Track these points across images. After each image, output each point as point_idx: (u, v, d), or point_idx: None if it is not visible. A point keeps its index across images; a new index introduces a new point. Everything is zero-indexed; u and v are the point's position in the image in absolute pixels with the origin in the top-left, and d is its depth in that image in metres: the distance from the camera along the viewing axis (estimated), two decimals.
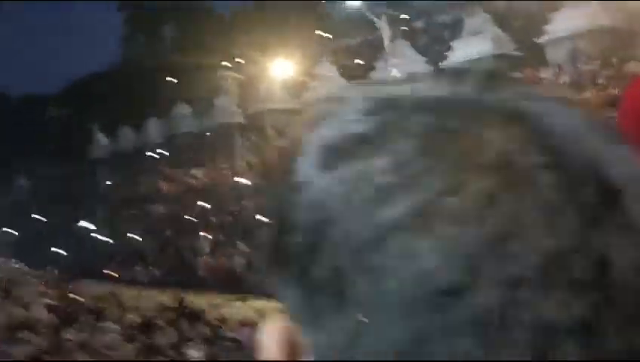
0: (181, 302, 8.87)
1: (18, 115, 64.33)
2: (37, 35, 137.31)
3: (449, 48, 27.92)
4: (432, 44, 34.91)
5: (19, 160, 56.94)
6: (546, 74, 22.45)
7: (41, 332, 6.81)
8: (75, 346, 6.25)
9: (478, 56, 25.75)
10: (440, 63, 28.51)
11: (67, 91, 65.90)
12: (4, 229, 44.41)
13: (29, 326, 7.25)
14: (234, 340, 6.98)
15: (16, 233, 43.20)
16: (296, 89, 33.54)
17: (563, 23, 23.99)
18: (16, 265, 29.89)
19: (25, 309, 8.45)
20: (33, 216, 43.67)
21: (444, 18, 37.69)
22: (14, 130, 61.61)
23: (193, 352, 6.18)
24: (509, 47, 26.60)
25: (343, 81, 33.80)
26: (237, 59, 39.43)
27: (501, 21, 28.70)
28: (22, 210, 46.14)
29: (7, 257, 34.72)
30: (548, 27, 24.57)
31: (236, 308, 17.60)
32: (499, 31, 27.19)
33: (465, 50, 26.32)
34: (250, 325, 8.07)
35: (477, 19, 26.84)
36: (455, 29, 31.41)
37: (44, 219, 42.72)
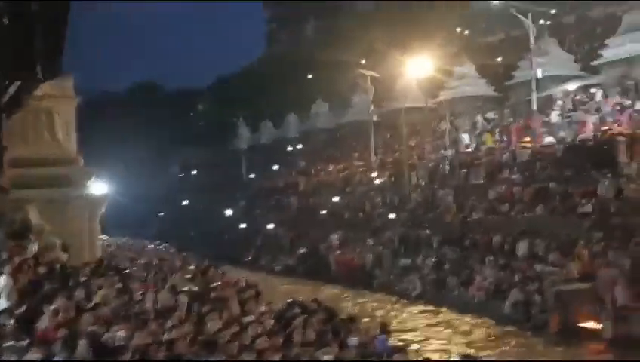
0: (318, 303, 9.26)
1: (172, 106, 70.07)
2: (187, 33, 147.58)
3: (602, 46, 25.92)
4: (583, 41, 32.65)
5: (171, 148, 62.01)
6: None
7: (185, 320, 7.52)
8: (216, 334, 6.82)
9: (634, 55, 23.71)
10: (592, 62, 26.66)
11: (215, 86, 70.60)
12: (160, 214, 48.56)
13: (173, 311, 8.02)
14: (366, 345, 7.23)
15: (167, 218, 47.04)
16: (432, 87, 33.07)
17: None
18: (164, 248, 32.65)
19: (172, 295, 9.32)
20: (182, 202, 47.35)
21: (597, 13, 35.10)
22: (168, 120, 67.15)
23: (324, 355, 6.50)
24: None
25: (480, 81, 32.80)
26: (375, 57, 39.67)
27: None
28: (172, 197, 50.23)
29: (158, 240, 38.03)
30: None
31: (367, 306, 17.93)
32: None
33: (621, 48, 24.31)
34: (384, 330, 8.28)
35: (636, 14, 24.64)
36: (610, 25, 29.09)
37: (190, 205, 46.16)
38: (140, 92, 74.34)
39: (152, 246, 34.51)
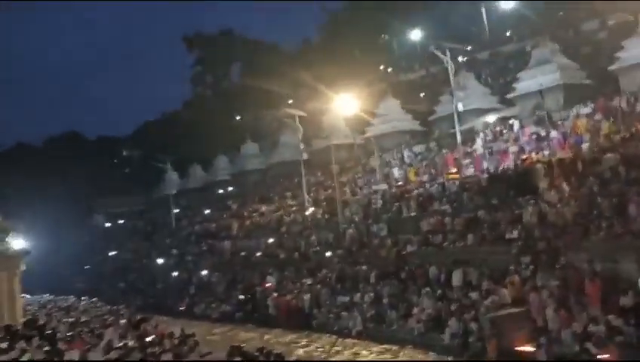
0: (262, 351, 8.94)
1: (94, 155, 67.85)
2: (109, 79, 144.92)
3: (515, 79, 27.45)
4: (498, 75, 34.44)
5: (94, 198, 59.73)
6: (619, 103, 21.67)
7: None
8: None
9: (545, 87, 25.20)
10: (506, 95, 28.08)
11: (140, 132, 69.12)
12: (86, 267, 46.29)
13: None
14: None
15: (94, 271, 44.91)
16: (360, 124, 33.75)
17: (637, 50, 23.20)
18: (92, 304, 31.03)
19: (107, 352, 8.80)
20: (109, 253, 45.42)
21: (509, 49, 37.20)
22: (91, 169, 64.89)
23: None
24: (579, 77, 25.86)
25: (406, 116, 33.82)
26: (301, 96, 40.21)
27: (569, 50, 28.04)
28: (98, 248, 48.12)
29: (85, 295, 36.12)
30: (620, 54, 23.80)
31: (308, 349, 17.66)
32: (567, 60, 26.55)
33: (532, 81, 25.81)
34: None
35: (543, 49, 26.33)
36: (521, 60, 30.88)
37: (118, 256, 44.35)
38: (59, 142, 71.69)
39: (80, 302, 32.73)
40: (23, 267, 17.07)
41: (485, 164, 22.73)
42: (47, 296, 37.57)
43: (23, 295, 20.98)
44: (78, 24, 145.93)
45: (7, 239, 16.42)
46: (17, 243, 17.29)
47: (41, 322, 15.21)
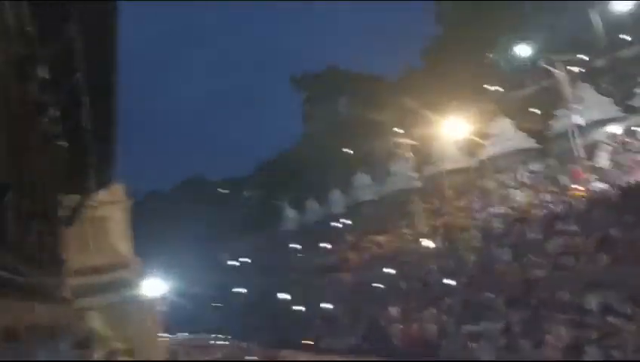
0: None
1: (218, 197, 71.67)
2: (223, 122, 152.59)
3: (638, 84, 25.64)
4: (618, 83, 32.32)
5: (221, 238, 62.80)
6: None
7: None
8: None
9: None
10: (629, 102, 26.28)
11: (258, 172, 72.16)
12: (216, 305, 48.61)
13: None
14: None
15: (223, 308, 46.96)
16: (471, 146, 32.99)
17: None
18: (226, 341, 32.31)
19: None
20: (235, 290, 47.36)
21: (629, 53, 34.85)
22: (215, 211, 68.50)
23: None
24: None
25: (519, 135, 32.55)
26: (409, 124, 40.04)
27: None
28: (226, 286, 50.31)
29: (215, 332, 37.82)
30: None
31: None
32: None
33: None
34: None
35: None
36: None
37: (244, 293, 46.09)
38: (186, 187, 76.55)
39: (213, 339, 34.30)
40: (162, 308, 18.28)
41: (614, 178, 21.32)
42: (185, 335, 39.64)
43: (163, 334, 22.42)
44: (187, 68, 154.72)
45: (146, 284, 17.70)
46: (155, 286, 18.60)
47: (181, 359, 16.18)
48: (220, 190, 72.90)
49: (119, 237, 17.76)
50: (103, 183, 12.47)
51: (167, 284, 22.47)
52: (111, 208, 17.49)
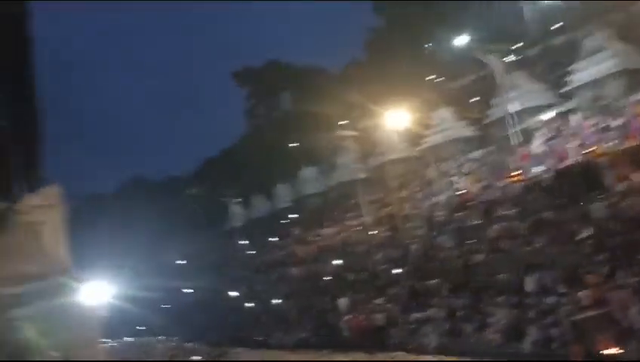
0: None
1: (161, 196, 70.15)
2: (166, 120, 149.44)
3: (570, 72, 26.53)
4: (551, 70, 33.39)
5: (166, 238, 61.58)
6: None
7: None
8: None
9: (602, 76, 24.24)
10: (561, 89, 27.17)
11: (202, 170, 71.07)
12: (164, 306, 47.61)
13: None
14: None
15: (170, 309, 46.11)
16: (413, 136, 33.48)
17: None
18: (173, 342, 31.74)
19: None
20: (182, 290, 46.57)
21: (560, 41, 36.02)
22: (159, 210, 67.04)
23: None
24: (638, 61, 24.67)
25: (459, 123, 33.25)
26: (353, 116, 40.25)
27: (623, 34, 26.89)
28: (171, 287, 49.36)
29: (163, 334, 37.10)
30: None
31: None
32: (622, 45, 25.45)
33: (587, 72, 24.87)
34: None
35: (596, 36, 25.34)
36: (574, 51, 29.84)
37: (191, 292, 45.35)
38: (129, 188, 74.68)
39: (160, 341, 33.64)
40: (103, 313, 17.72)
41: (547, 163, 22.01)
42: (129, 339, 38.72)
43: (105, 340, 21.78)
44: (127, 66, 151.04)
45: (85, 290, 17.12)
46: (96, 292, 17.99)
47: None
48: (163, 190, 71.56)
49: (54, 243, 17.06)
50: (31, 187, 11.90)
51: (111, 289, 21.80)
52: (44, 212, 16.75)
